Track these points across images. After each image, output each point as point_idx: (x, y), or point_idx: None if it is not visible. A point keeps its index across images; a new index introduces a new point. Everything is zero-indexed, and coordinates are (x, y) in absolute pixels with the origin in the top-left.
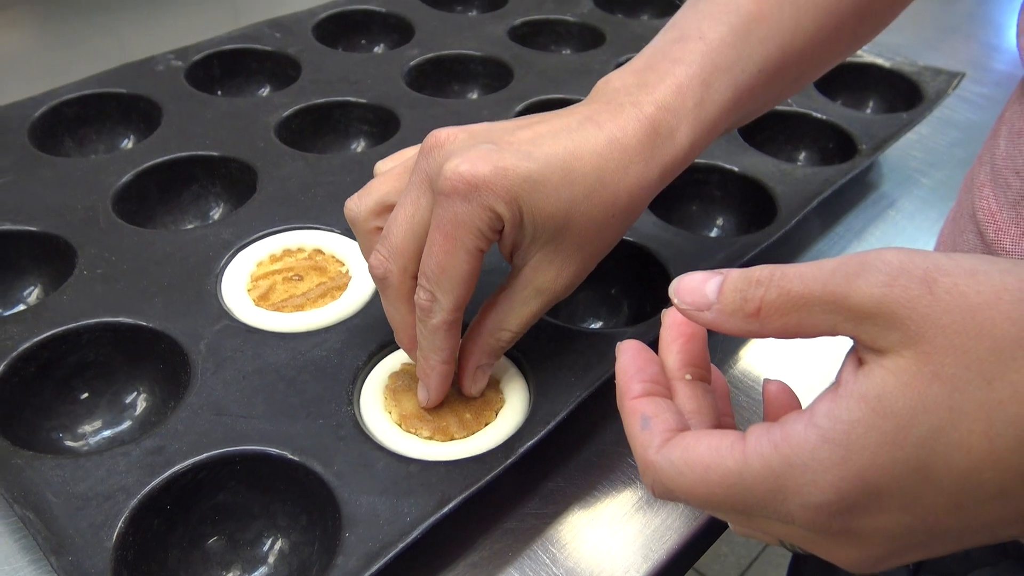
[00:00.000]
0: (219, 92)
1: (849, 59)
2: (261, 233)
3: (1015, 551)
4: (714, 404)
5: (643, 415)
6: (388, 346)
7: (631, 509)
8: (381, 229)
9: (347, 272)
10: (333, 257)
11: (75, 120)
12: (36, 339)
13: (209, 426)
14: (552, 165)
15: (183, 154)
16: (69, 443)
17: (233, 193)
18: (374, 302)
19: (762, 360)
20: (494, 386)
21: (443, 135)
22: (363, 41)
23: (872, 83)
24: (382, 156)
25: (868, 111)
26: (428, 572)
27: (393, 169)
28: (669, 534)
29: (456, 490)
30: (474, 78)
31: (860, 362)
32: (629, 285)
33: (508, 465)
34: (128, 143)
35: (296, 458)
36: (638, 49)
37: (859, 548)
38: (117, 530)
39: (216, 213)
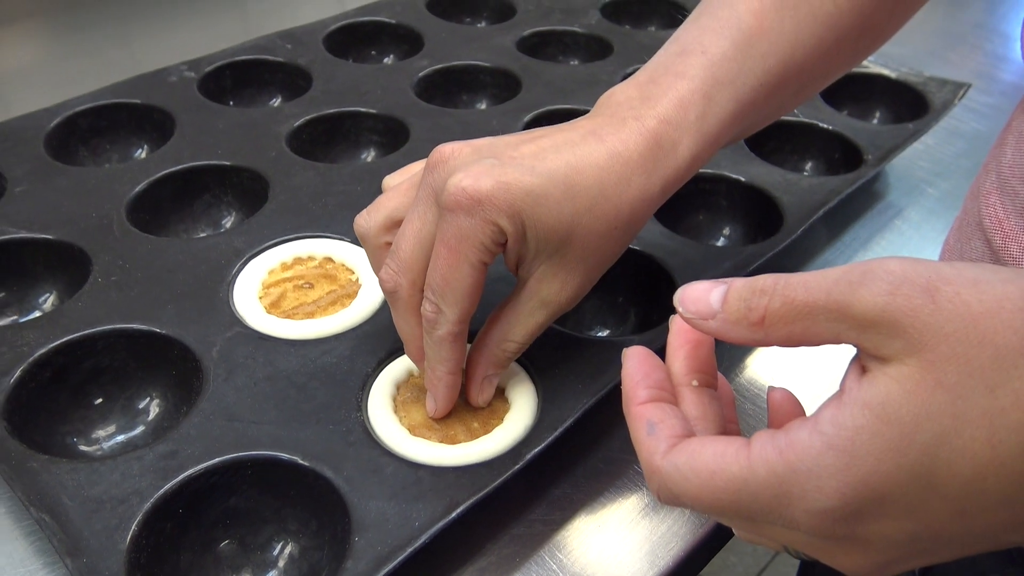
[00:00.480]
0: (231, 102)
1: (855, 70)
2: (272, 241)
3: (1021, 559)
4: (720, 411)
5: (649, 421)
6: (397, 353)
7: (637, 516)
8: (390, 244)
9: (357, 280)
10: (343, 265)
11: (89, 130)
12: (52, 345)
13: (221, 431)
14: (554, 179)
15: (196, 164)
16: (83, 448)
17: (245, 202)
18: (383, 310)
19: (768, 368)
20: (501, 395)
21: (447, 150)
22: (373, 52)
23: (878, 93)
24: (392, 166)
25: (874, 121)
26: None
27: (400, 185)
28: (675, 541)
29: (464, 495)
30: (483, 88)
31: (864, 370)
32: (636, 293)
33: (516, 471)
34: (141, 153)
35: (307, 463)
36: (645, 60)
37: (863, 554)
38: (131, 533)
39: (228, 222)
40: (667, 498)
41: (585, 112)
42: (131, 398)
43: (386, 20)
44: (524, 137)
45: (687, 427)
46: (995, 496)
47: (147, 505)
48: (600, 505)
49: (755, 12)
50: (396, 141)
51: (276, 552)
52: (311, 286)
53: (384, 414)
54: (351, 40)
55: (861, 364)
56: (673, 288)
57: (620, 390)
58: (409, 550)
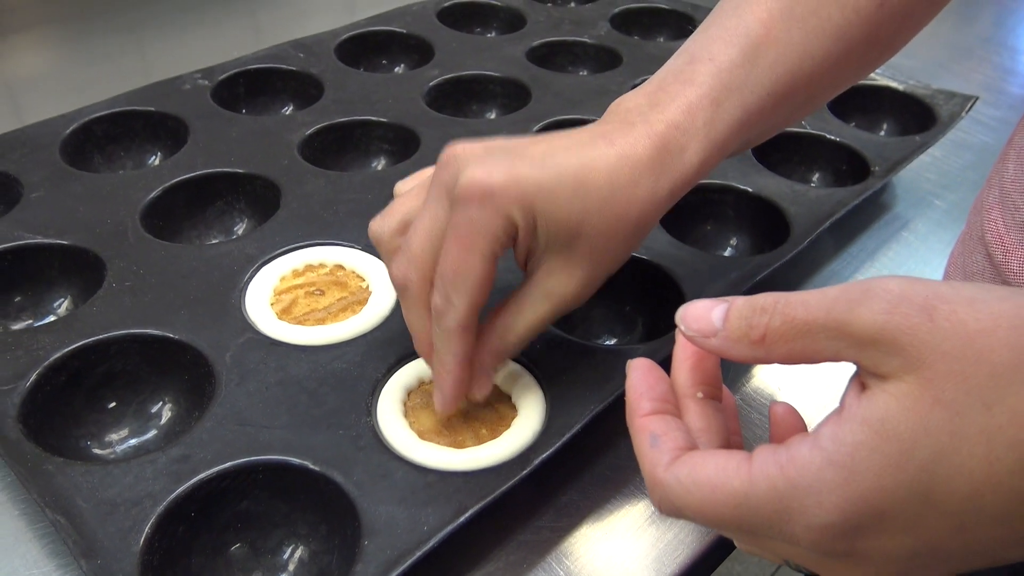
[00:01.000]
0: (244, 110)
1: (863, 82)
2: (284, 249)
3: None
4: (724, 423)
5: (652, 433)
6: (406, 359)
7: (644, 523)
8: None
9: (367, 287)
10: (354, 272)
11: (104, 137)
12: (67, 349)
13: (233, 436)
14: (565, 176)
15: (209, 171)
16: (97, 451)
17: (257, 209)
18: (393, 316)
19: (774, 378)
20: (508, 401)
21: (459, 148)
22: (384, 61)
23: (886, 105)
24: (402, 174)
25: (882, 133)
26: None
27: (412, 189)
28: (681, 549)
29: (473, 500)
30: (493, 98)
31: (863, 387)
32: (643, 303)
33: (523, 476)
34: (155, 160)
35: (317, 468)
36: (654, 70)
37: (863, 569)
38: (144, 535)
39: (240, 228)
40: (668, 510)
41: (589, 122)
42: (144, 402)
43: (397, 30)
44: (536, 138)
45: (690, 440)
46: (992, 513)
47: (160, 508)
48: (607, 512)
49: (763, 22)
50: (406, 150)
51: (286, 556)
52: (322, 293)
53: (394, 419)
54: (362, 49)
55: (861, 381)
56: (680, 297)
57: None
58: (418, 554)
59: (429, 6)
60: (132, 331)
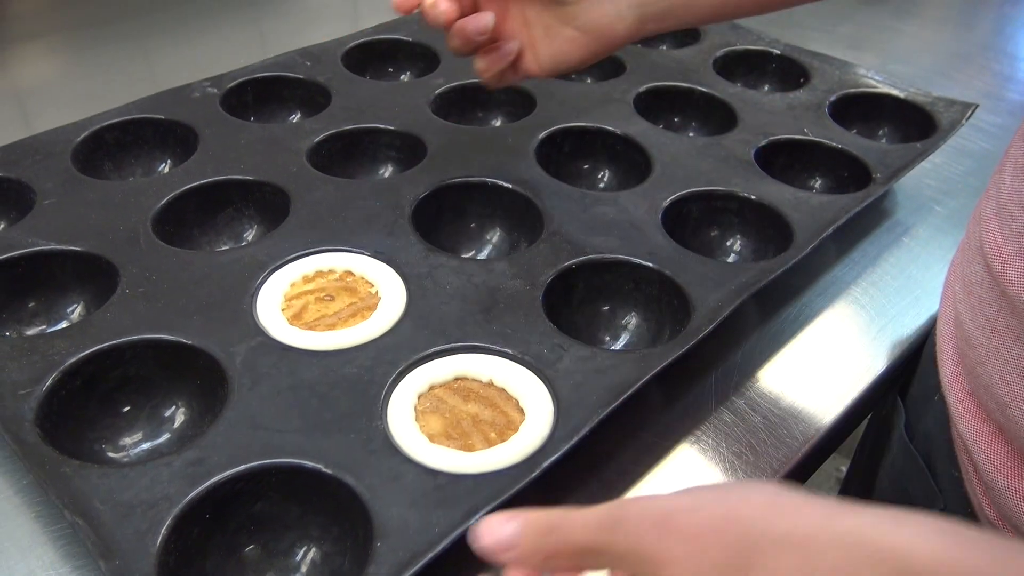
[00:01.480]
0: (252, 118)
1: (864, 89)
2: (294, 255)
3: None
4: None
5: None
6: (416, 364)
7: None
8: None
9: (376, 293)
10: (363, 278)
11: (115, 145)
12: (82, 354)
13: (247, 439)
14: None
15: (219, 178)
16: (111, 454)
17: (266, 216)
18: (402, 322)
19: (777, 384)
20: (517, 406)
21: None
22: (390, 69)
23: (886, 113)
24: (410, 181)
25: (883, 140)
26: None
27: None
28: None
29: (483, 503)
30: (498, 106)
31: None
32: (649, 308)
33: (532, 479)
34: (165, 167)
35: (330, 471)
36: (657, 78)
37: None
38: (161, 537)
39: (250, 235)
40: None
41: (600, 129)
42: (157, 406)
43: (403, 38)
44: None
45: None
46: None
47: (176, 510)
48: None
49: None
50: (413, 157)
51: (299, 557)
52: (332, 298)
53: (405, 423)
54: (368, 57)
55: None
56: (685, 303)
57: (633, 402)
58: (429, 556)
59: None
60: (146, 336)
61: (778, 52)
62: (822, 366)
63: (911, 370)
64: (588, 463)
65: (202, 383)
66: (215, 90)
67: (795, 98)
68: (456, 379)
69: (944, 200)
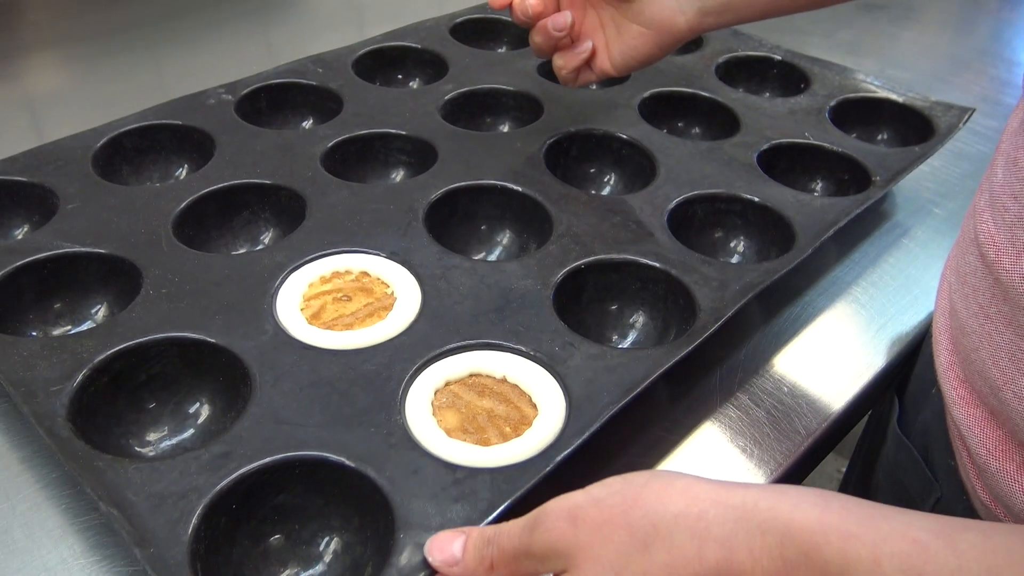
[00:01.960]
0: (266, 124)
1: (863, 94)
2: (311, 256)
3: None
4: None
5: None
6: (431, 361)
7: None
8: None
9: (392, 293)
10: (379, 279)
11: (133, 150)
12: (110, 352)
13: (271, 433)
14: None
15: (237, 182)
16: (137, 449)
17: (282, 219)
18: (418, 321)
19: (781, 379)
20: (530, 402)
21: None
22: (399, 76)
23: (885, 117)
24: (422, 185)
25: (882, 144)
26: None
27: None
28: None
29: (500, 498)
30: (506, 111)
31: None
32: (655, 308)
33: (547, 473)
34: (182, 172)
35: (352, 464)
36: (661, 85)
37: None
38: (192, 526)
39: (266, 238)
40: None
41: (604, 134)
42: (180, 403)
43: (412, 45)
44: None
45: None
46: None
47: (205, 500)
48: None
49: None
50: (424, 161)
51: (321, 547)
52: (349, 299)
53: (422, 418)
54: (378, 64)
55: None
56: (690, 302)
57: (641, 398)
58: None
59: (442, 22)
60: (170, 335)
61: (779, 58)
62: (824, 363)
63: (908, 368)
64: (599, 457)
65: (224, 380)
66: (230, 97)
67: (796, 103)
68: (471, 375)
69: (942, 202)
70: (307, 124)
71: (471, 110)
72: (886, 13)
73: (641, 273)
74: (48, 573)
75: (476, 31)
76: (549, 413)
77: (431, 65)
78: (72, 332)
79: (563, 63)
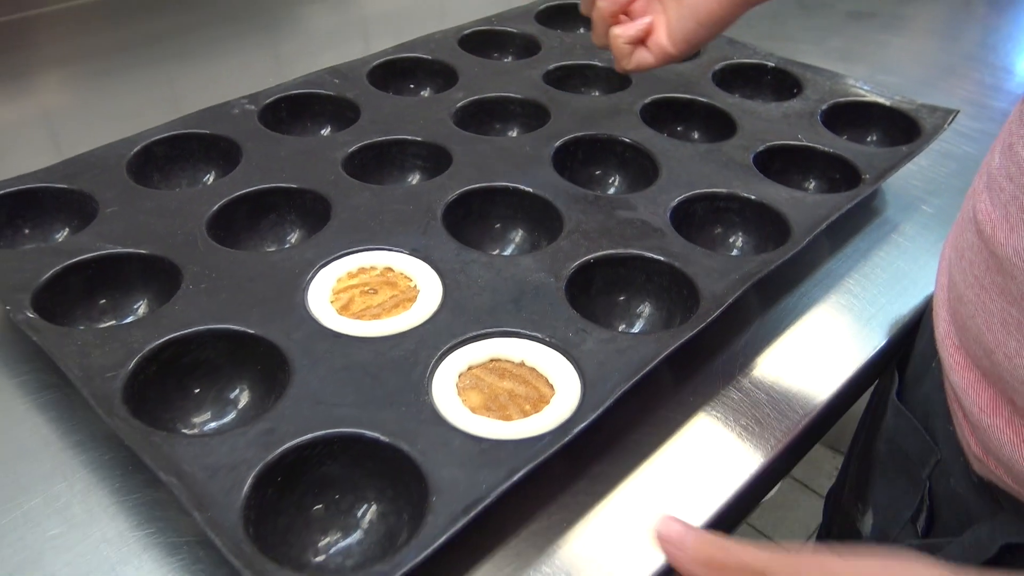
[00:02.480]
0: (288, 131)
1: (853, 98)
2: (338, 253)
3: (1009, 504)
4: None
5: None
6: (455, 347)
7: (667, 486)
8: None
9: (415, 286)
10: (402, 274)
11: (163, 158)
12: (158, 341)
13: (311, 412)
14: None
15: (265, 186)
16: (184, 431)
17: (307, 221)
18: (440, 311)
19: (775, 369)
20: (547, 383)
21: None
22: (411, 85)
23: (874, 119)
24: (439, 187)
25: (871, 145)
26: (498, 535)
27: None
28: (705, 507)
29: (522, 463)
30: (514, 118)
31: None
32: (661, 298)
33: (565, 444)
34: (210, 178)
35: (387, 439)
36: (662, 91)
37: None
38: (243, 493)
39: (292, 238)
40: None
41: (608, 138)
42: (222, 389)
43: (423, 56)
44: None
45: None
46: None
47: (254, 471)
48: (633, 481)
49: None
50: (439, 165)
51: (359, 516)
52: (375, 292)
53: (448, 397)
54: (392, 75)
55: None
56: (693, 292)
57: (649, 381)
58: (480, 507)
59: (450, 34)
60: (212, 327)
61: (773, 65)
62: (819, 349)
63: (907, 348)
64: (610, 434)
65: (263, 368)
66: (252, 106)
67: (789, 107)
68: (491, 360)
69: (930, 200)
70: (326, 132)
71: (481, 117)
72: (876, 21)
73: (647, 266)
74: (107, 544)
75: (483, 42)
76: (565, 392)
77: (441, 75)
78: (123, 324)
79: (621, 31)
